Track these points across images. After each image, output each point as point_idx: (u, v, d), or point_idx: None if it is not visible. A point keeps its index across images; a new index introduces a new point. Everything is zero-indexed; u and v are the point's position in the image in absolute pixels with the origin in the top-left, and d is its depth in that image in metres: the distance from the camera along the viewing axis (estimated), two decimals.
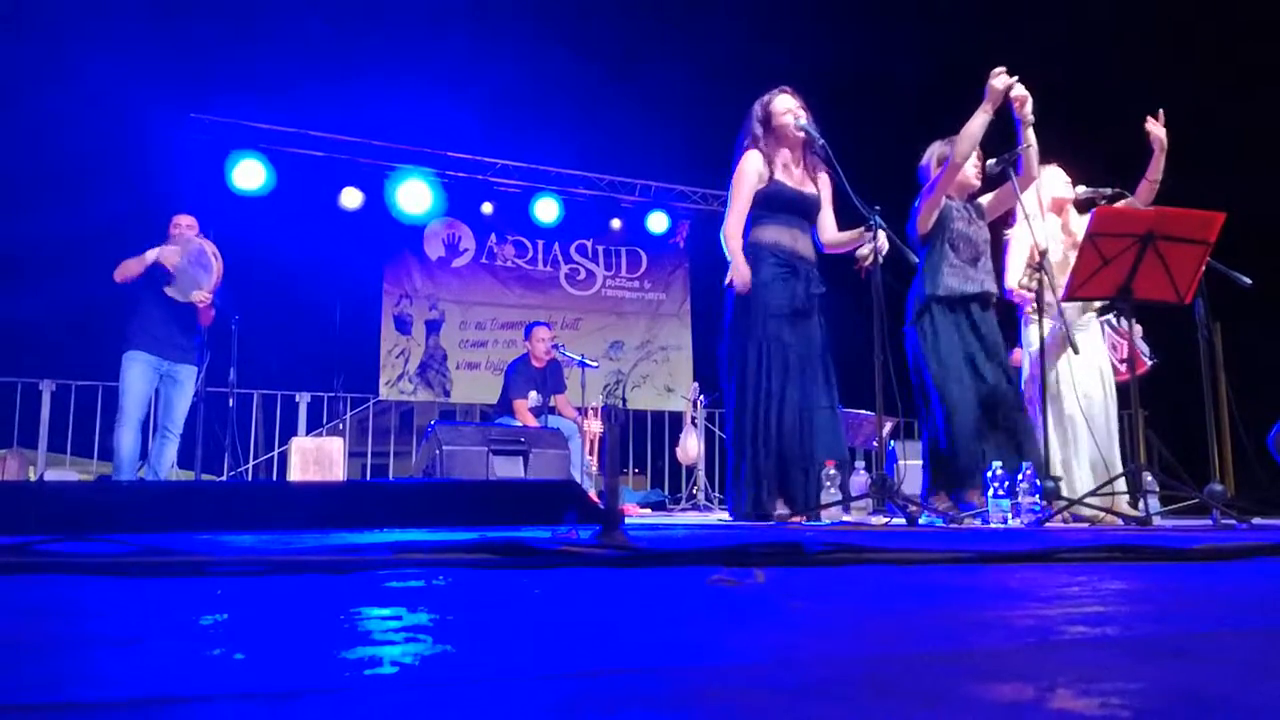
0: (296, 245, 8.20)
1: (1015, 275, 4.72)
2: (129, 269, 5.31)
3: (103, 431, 7.30)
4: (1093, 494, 4.33)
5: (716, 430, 8.93)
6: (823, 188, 4.64)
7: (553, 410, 6.92)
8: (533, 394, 6.88)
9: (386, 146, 8.75)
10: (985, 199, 4.72)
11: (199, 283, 5.35)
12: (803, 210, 4.54)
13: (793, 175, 4.55)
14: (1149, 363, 5.15)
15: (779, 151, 4.55)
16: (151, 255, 5.31)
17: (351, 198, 8.54)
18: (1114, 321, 5.38)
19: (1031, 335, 4.77)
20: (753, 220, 4.51)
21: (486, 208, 9.11)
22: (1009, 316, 4.95)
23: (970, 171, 4.55)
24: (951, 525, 3.92)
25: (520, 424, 6.60)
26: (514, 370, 7.11)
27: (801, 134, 4.49)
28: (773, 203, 4.48)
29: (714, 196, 9.76)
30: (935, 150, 4.67)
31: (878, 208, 4.42)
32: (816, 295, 4.51)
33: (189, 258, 5.35)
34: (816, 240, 4.64)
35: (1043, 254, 4.34)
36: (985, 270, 4.57)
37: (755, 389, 4.33)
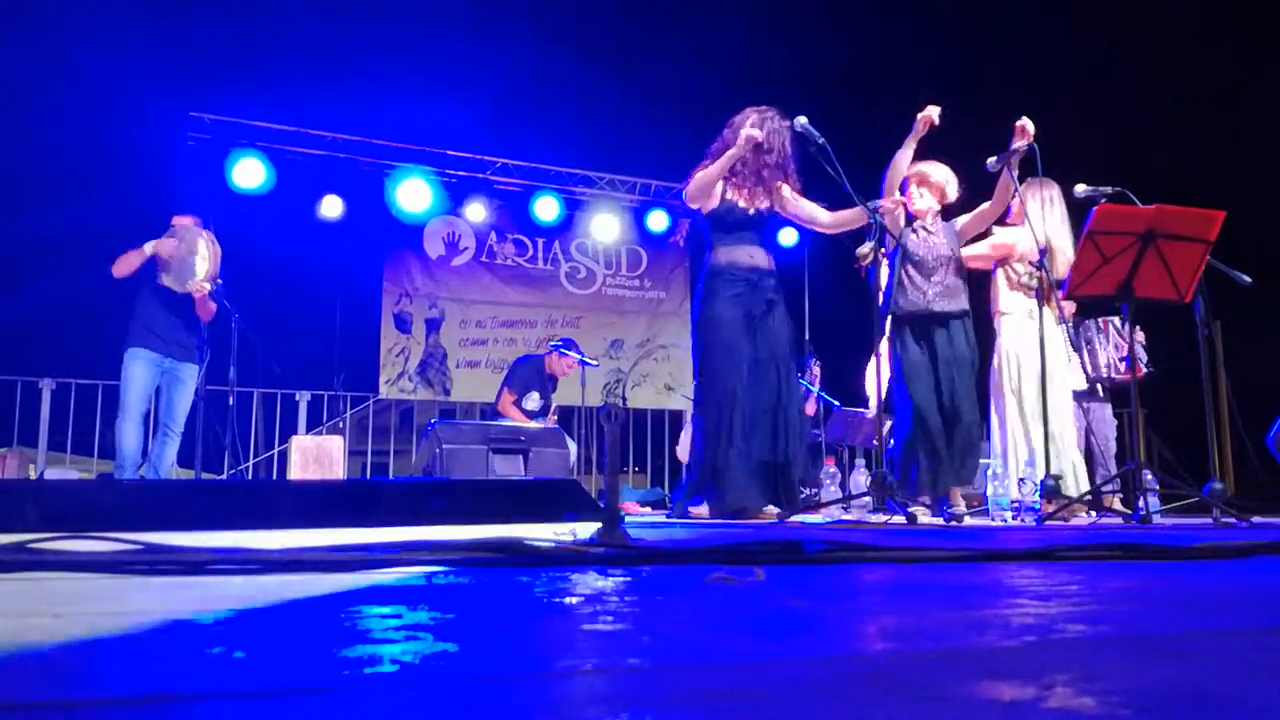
0: (296, 244, 8.19)
1: (977, 252, 4.90)
2: (128, 262, 5.29)
3: (103, 430, 7.30)
4: (1093, 492, 4.34)
5: None
6: (779, 196, 4.74)
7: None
8: (535, 395, 6.87)
9: (386, 145, 8.73)
10: (962, 219, 4.87)
11: (196, 272, 5.34)
12: (755, 226, 4.68)
13: (742, 194, 4.65)
14: (1144, 370, 5.19)
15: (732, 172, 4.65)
16: (149, 248, 5.30)
17: (331, 206, 8.46)
18: (1117, 323, 5.40)
19: (1006, 333, 4.84)
20: (711, 243, 4.67)
21: (476, 211, 9.02)
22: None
23: (925, 198, 4.78)
24: (952, 524, 3.93)
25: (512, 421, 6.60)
26: (522, 365, 7.06)
27: (791, 138, 4.54)
28: (726, 223, 4.62)
29: None
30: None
31: (879, 206, 4.42)
32: (774, 302, 4.61)
33: (186, 247, 5.34)
34: (774, 249, 4.86)
35: (1043, 252, 4.35)
36: (942, 286, 4.70)
37: (718, 397, 4.44)
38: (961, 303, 4.71)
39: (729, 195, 4.63)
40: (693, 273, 10.09)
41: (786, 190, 4.75)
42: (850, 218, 4.65)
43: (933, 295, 4.67)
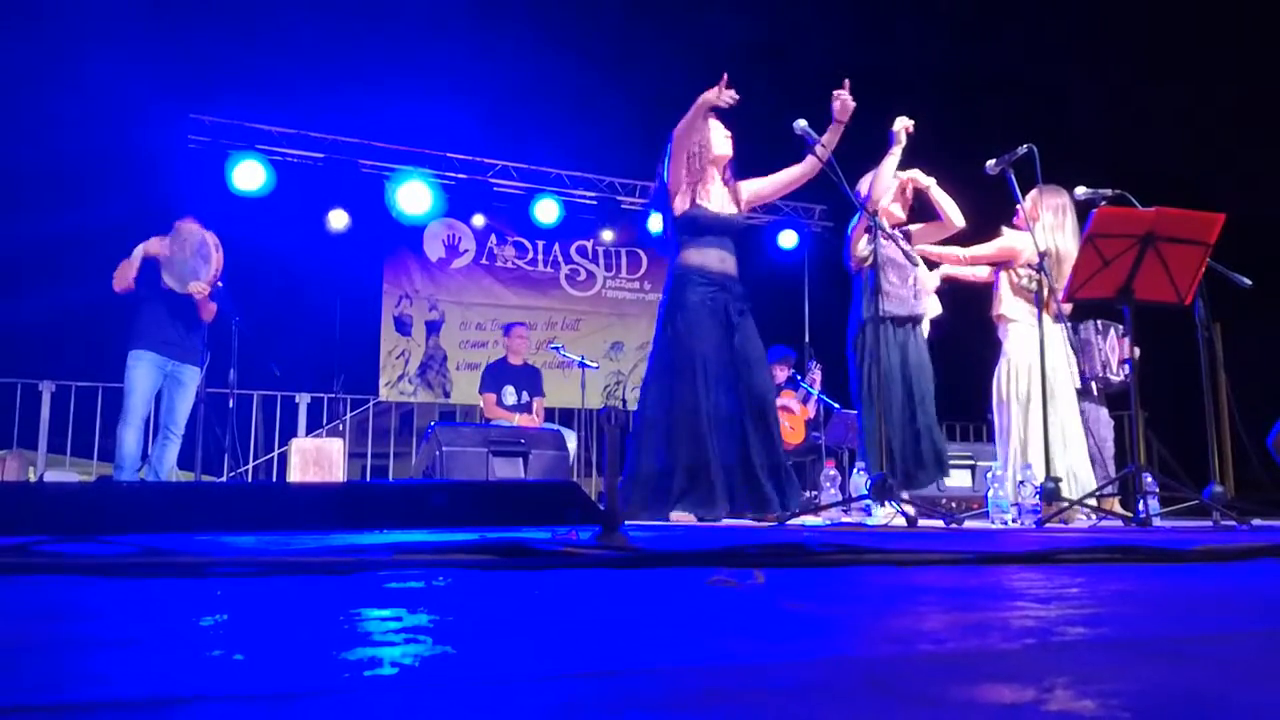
0: (296, 246, 8.19)
1: (981, 252, 5.00)
2: (125, 274, 5.29)
3: (102, 432, 7.29)
4: (1095, 494, 4.34)
5: None
6: (739, 196, 4.74)
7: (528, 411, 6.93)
8: (508, 389, 6.91)
9: (387, 148, 8.74)
10: (914, 227, 4.99)
11: (197, 273, 5.32)
12: (727, 231, 4.64)
13: (712, 198, 4.63)
14: (1124, 376, 5.22)
15: (701, 175, 4.65)
16: (139, 251, 5.29)
17: (339, 219, 8.49)
18: (1099, 327, 5.40)
19: (1012, 339, 4.84)
20: (680, 244, 4.62)
21: (476, 214, 9.09)
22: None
23: (895, 207, 4.91)
24: (951, 526, 3.93)
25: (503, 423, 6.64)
26: (488, 368, 7.23)
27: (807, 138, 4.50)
28: (696, 227, 4.58)
29: None
30: (865, 181, 4.93)
31: (875, 209, 4.43)
32: (744, 310, 4.58)
33: (189, 248, 5.33)
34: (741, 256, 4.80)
35: (1043, 255, 4.35)
36: (914, 290, 4.83)
37: (671, 400, 4.39)
38: (925, 305, 4.88)
39: (699, 200, 4.60)
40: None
41: (744, 186, 4.76)
42: (800, 169, 4.62)
43: (912, 298, 4.77)
